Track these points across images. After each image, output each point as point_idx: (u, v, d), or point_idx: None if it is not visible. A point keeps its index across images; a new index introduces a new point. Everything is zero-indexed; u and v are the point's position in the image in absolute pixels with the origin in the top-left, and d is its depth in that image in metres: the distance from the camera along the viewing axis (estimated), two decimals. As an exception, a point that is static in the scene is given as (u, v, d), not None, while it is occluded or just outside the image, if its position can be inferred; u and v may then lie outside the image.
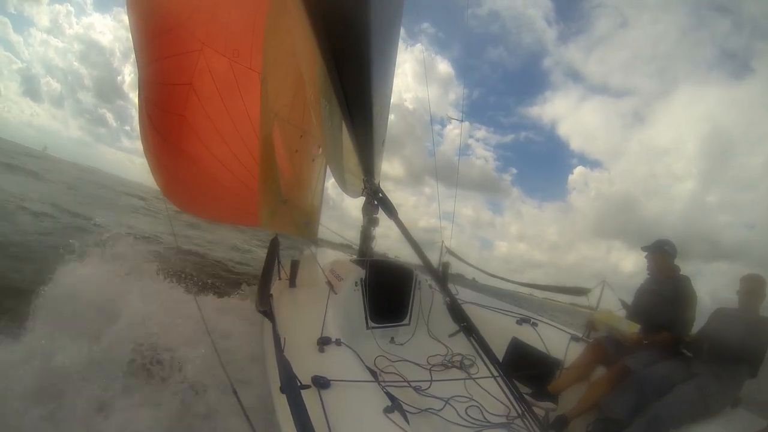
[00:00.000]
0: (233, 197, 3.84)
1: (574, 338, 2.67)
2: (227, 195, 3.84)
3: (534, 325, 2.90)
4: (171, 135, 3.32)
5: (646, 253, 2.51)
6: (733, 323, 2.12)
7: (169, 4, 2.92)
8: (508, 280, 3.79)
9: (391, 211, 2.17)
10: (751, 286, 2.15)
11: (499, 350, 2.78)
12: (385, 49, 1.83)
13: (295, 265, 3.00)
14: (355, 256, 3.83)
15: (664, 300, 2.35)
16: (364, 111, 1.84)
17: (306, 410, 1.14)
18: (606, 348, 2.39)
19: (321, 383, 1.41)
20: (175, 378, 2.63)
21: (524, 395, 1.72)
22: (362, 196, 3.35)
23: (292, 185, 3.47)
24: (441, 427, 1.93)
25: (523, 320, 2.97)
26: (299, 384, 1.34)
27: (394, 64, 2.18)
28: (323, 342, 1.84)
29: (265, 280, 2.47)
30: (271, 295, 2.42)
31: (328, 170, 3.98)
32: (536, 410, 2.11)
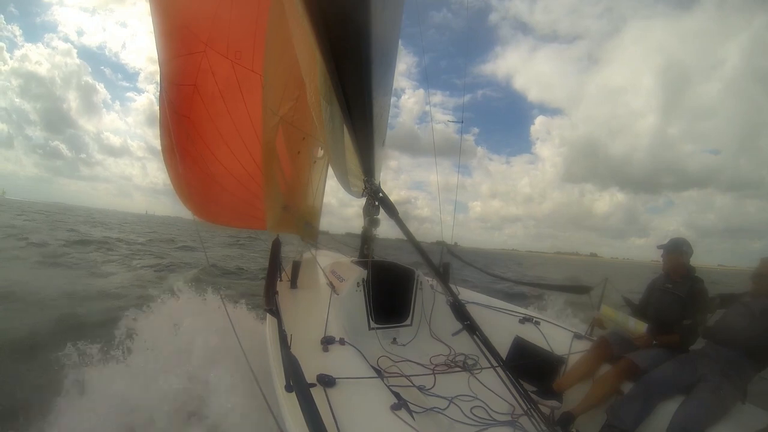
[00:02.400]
0: (237, 201, 3.84)
1: (577, 336, 2.66)
2: (230, 199, 3.85)
3: (536, 323, 2.89)
4: (178, 135, 3.34)
5: (662, 252, 2.49)
6: (742, 315, 2.08)
7: (175, 5, 2.96)
8: (506, 279, 3.77)
9: (391, 211, 2.17)
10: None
11: (502, 349, 2.77)
12: (385, 49, 1.84)
13: (296, 267, 3.00)
14: (355, 257, 3.83)
15: (676, 299, 2.32)
16: (364, 111, 1.84)
17: (316, 408, 1.15)
18: (611, 345, 2.38)
19: (326, 381, 1.42)
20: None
21: (529, 393, 1.72)
22: (363, 196, 3.36)
23: (294, 187, 3.48)
24: (446, 425, 1.93)
25: (525, 319, 2.96)
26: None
27: (395, 64, 2.19)
28: (327, 341, 1.85)
29: (270, 280, 2.50)
30: (274, 295, 2.43)
31: (329, 172, 3.98)
32: (541, 408, 2.10)
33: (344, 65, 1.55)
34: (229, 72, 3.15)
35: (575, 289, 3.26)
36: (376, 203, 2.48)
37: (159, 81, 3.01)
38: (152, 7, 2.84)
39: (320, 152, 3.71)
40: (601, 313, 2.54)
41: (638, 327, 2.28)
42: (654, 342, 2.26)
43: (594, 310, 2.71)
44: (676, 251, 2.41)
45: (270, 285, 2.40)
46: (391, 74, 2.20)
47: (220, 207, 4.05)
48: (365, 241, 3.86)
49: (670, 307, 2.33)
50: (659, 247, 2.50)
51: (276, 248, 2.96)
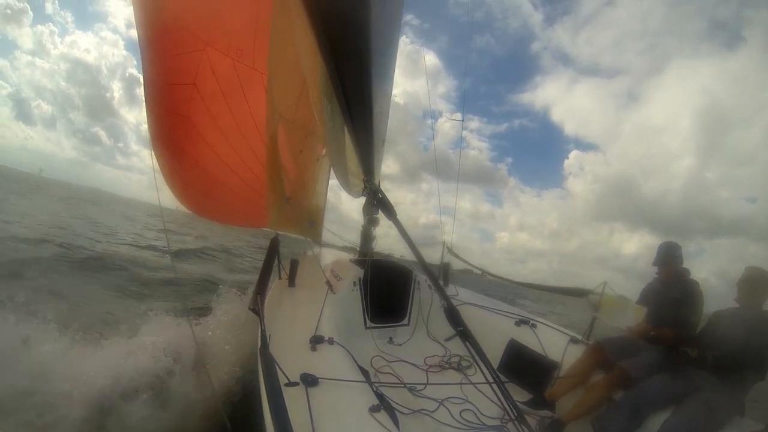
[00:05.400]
0: (239, 199, 3.85)
1: (573, 340, 2.65)
2: (233, 197, 3.86)
3: (533, 326, 2.88)
4: (177, 136, 3.31)
5: (656, 266, 2.48)
6: (733, 326, 2.05)
7: (171, 4, 2.93)
8: (510, 281, 3.77)
9: (390, 211, 2.17)
10: (752, 277, 2.08)
11: (497, 351, 2.77)
12: (385, 49, 1.84)
13: (294, 265, 3.00)
14: (356, 257, 3.84)
15: (671, 301, 2.29)
16: (365, 111, 1.85)
17: (284, 406, 1.16)
18: (605, 350, 2.36)
19: (309, 381, 1.41)
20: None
21: (521, 404, 1.71)
22: (363, 196, 3.36)
23: (296, 185, 3.47)
24: (433, 428, 1.92)
25: (522, 321, 2.95)
26: (288, 381, 1.37)
27: (394, 65, 2.19)
28: (316, 341, 1.84)
29: (262, 278, 2.49)
30: (260, 295, 2.44)
31: (332, 171, 3.97)
32: (533, 418, 2.09)
33: (344, 66, 1.55)
34: (230, 70, 3.15)
35: (573, 291, 3.24)
36: (375, 203, 2.48)
37: (143, 83, 2.87)
38: (142, 7, 2.72)
39: (323, 151, 3.71)
40: (602, 299, 2.54)
41: (638, 313, 2.29)
42: (651, 333, 2.22)
43: (592, 313, 2.70)
44: (666, 255, 2.42)
45: (260, 284, 2.39)
46: (390, 76, 2.20)
47: (221, 205, 4.06)
48: (364, 240, 3.86)
49: (665, 309, 2.31)
50: (654, 264, 2.49)
51: (274, 246, 2.96)
